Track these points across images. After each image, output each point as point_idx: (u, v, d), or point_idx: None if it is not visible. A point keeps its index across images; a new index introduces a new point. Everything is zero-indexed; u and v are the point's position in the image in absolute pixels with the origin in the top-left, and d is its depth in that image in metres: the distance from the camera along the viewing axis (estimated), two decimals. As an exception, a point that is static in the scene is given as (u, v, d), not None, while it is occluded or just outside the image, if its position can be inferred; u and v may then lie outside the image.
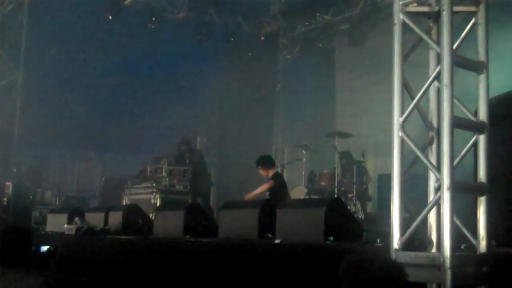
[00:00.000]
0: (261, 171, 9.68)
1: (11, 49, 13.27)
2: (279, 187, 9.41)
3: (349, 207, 9.02)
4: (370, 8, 13.10)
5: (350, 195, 10.45)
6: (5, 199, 11.72)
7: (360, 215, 10.02)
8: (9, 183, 11.91)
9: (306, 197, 10.45)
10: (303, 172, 11.68)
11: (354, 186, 10.48)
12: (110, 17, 13.25)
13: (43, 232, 9.73)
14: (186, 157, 11.49)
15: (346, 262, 2.80)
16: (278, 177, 9.65)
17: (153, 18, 13.86)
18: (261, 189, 9.38)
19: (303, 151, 11.62)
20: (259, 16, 15.50)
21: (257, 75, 14.92)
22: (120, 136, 13.87)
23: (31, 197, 12.11)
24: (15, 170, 12.49)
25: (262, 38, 15.28)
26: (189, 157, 11.50)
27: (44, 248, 8.05)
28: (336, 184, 10.42)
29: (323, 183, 10.84)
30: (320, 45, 14.83)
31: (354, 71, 13.99)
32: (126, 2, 13.65)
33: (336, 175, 10.53)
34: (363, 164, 10.91)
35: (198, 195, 11.27)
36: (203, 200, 11.19)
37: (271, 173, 9.63)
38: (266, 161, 9.80)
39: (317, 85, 15.32)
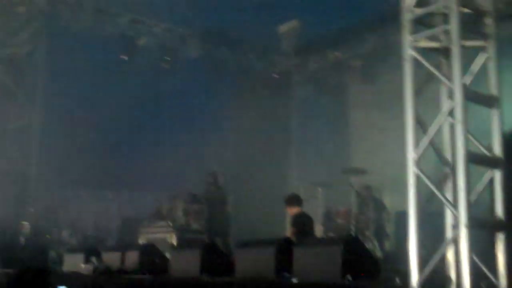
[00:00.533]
0: (288, 210, 9.55)
1: (29, 89, 13.45)
2: (299, 230, 9.13)
3: (366, 245, 8.89)
4: (381, 44, 13.17)
5: (367, 233, 10.35)
6: (22, 239, 11.73)
7: (378, 253, 9.89)
8: (26, 223, 11.94)
9: (323, 235, 10.36)
10: (319, 210, 11.59)
11: (372, 223, 10.38)
12: (126, 58, 13.50)
13: (60, 273, 9.69)
14: (210, 190, 11.50)
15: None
16: (297, 221, 9.30)
17: (167, 58, 14.07)
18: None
19: (319, 189, 11.55)
20: (272, 53, 15.64)
21: (271, 112, 14.98)
22: (137, 175, 13.91)
23: (48, 236, 12.11)
24: (32, 209, 12.53)
25: (275, 75, 15.38)
26: (213, 191, 11.44)
27: (61, 288, 8.02)
28: (353, 221, 10.32)
29: (339, 221, 10.75)
30: (333, 82, 14.90)
31: (367, 108, 13.99)
32: (140, 43, 13.88)
33: (352, 212, 10.45)
34: (381, 200, 10.82)
35: (216, 234, 11.20)
36: (222, 239, 11.10)
37: (294, 212, 9.39)
38: (289, 200, 9.60)
39: (331, 122, 15.32)
